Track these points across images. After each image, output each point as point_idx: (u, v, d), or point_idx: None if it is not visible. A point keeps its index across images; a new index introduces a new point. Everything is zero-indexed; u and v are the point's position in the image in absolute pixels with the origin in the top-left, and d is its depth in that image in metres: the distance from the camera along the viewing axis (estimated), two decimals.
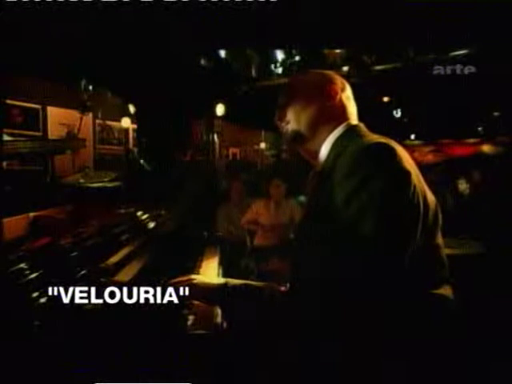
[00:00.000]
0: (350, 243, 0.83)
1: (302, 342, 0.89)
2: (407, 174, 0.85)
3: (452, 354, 0.91)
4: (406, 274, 0.83)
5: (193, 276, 1.04)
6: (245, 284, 0.96)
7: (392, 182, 0.84)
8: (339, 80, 1.07)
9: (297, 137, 1.04)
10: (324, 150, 1.01)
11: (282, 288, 0.94)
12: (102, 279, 1.05)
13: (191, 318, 1.07)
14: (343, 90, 1.06)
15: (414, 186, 0.85)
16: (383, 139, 0.90)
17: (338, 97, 1.03)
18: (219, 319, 1.08)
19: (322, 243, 0.91)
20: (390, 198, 0.82)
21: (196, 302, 1.11)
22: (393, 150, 0.86)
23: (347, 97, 1.06)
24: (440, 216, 0.95)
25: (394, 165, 0.85)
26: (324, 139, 1.01)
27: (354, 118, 1.05)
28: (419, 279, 0.88)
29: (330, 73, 1.09)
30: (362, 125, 1.03)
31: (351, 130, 1.00)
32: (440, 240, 0.95)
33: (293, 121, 1.03)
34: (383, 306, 0.84)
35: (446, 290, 0.93)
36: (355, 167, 0.86)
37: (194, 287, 0.98)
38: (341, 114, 1.03)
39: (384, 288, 0.83)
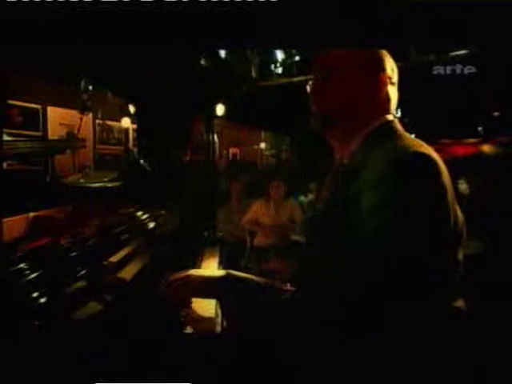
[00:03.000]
0: (373, 249, 0.79)
1: (305, 342, 0.88)
2: (445, 191, 0.81)
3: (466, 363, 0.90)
4: (428, 288, 0.80)
5: (189, 271, 0.98)
6: (246, 278, 0.93)
7: (429, 199, 0.79)
8: (390, 66, 0.97)
9: (329, 120, 0.96)
10: (354, 143, 0.94)
11: (284, 287, 0.92)
12: (101, 279, 1.06)
13: (192, 317, 1.07)
14: (391, 78, 0.96)
15: (450, 204, 0.82)
16: (423, 148, 0.84)
17: (386, 88, 0.95)
18: (219, 319, 1.08)
19: (342, 239, 0.87)
20: (425, 215, 0.78)
21: (196, 301, 1.11)
22: (434, 164, 0.81)
23: (393, 86, 0.97)
24: (465, 233, 0.91)
25: (434, 181, 0.80)
26: (356, 130, 0.94)
27: (392, 112, 0.97)
28: (440, 293, 0.85)
29: (383, 56, 0.97)
30: (396, 121, 0.96)
31: (386, 126, 0.94)
32: (461, 255, 0.91)
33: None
34: (402, 318, 0.80)
35: (460, 303, 0.91)
36: (392, 175, 0.80)
37: (191, 282, 0.94)
38: (381, 107, 0.95)
39: (405, 300, 0.79)
